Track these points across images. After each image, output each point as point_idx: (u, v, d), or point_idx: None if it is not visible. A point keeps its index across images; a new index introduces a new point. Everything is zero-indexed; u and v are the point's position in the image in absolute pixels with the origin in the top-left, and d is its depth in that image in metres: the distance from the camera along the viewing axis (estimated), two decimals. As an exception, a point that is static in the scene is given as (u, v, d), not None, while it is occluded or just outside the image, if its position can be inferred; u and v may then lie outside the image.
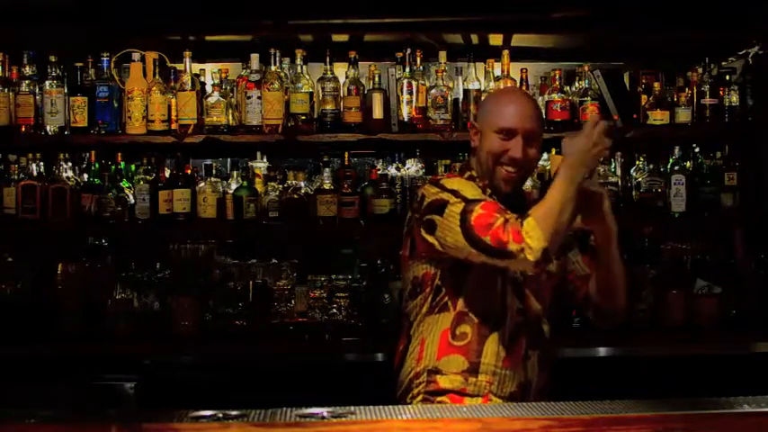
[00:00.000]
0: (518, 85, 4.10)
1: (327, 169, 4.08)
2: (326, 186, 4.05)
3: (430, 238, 2.54)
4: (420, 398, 2.61)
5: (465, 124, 4.06)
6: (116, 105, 4.02)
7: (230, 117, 4.06)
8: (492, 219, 2.41)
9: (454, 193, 2.52)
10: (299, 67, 4.07)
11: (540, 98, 4.17)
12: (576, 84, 4.21)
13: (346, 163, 4.25)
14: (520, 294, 2.63)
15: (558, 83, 4.11)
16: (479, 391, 2.57)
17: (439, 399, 2.59)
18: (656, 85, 4.12)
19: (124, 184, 4.14)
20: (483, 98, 2.88)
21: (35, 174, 4.05)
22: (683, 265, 4.20)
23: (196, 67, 4.11)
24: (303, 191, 4.11)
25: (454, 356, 2.59)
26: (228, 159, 4.46)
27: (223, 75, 4.10)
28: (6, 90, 4.00)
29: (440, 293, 2.62)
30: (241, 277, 4.12)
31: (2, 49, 4.06)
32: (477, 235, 2.41)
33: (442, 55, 4.11)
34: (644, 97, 4.16)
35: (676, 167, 4.12)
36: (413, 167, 4.23)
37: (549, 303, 2.72)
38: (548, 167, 4.14)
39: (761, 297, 4.01)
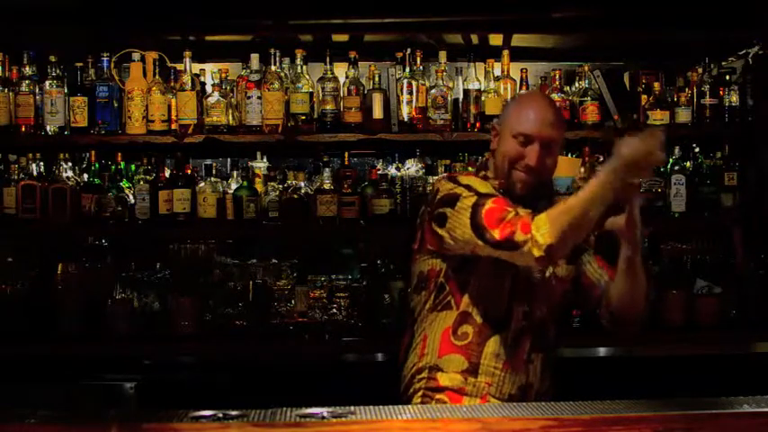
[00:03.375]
0: (518, 85, 4.10)
1: (327, 169, 4.08)
2: (326, 186, 4.05)
3: (440, 231, 2.54)
4: (420, 393, 2.62)
5: (465, 124, 4.07)
6: (116, 105, 4.02)
7: (230, 117, 4.05)
8: (503, 213, 2.40)
9: (468, 187, 2.52)
10: (299, 67, 4.07)
11: (540, 98, 4.17)
12: (576, 84, 4.21)
13: (346, 163, 4.25)
14: (528, 297, 2.63)
15: (558, 83, 4.12)
16: (478, 392, 2.58)
17: (438, 396, 2.60)
18: (656, 85, 4.12)
19: (124, 184, 4.14)
20: (508, 100, 2.81)
21: (35, 174, 4.04)
22: (683, 265, 4.19)
23: (196, 67, 4.11)
24: (303, 191, 4.11)
25: (455, 356, 2.60)
26: (228, 159, 4.46)
27: (223, 75, 4.10)
28: (6, 90, 3.99)
29: (443, 291, 2.62)
30: (241, 277, 4.11)
31: (2, 49, 4.06)
32: (485, 227, 2.40)
33: (442, 55, 4.11)
34: (644, 97, 4.16)
35: (676, 167, 4.12)
36: (413, 167, 4.23)
37: (557, 308, 2.70)
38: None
39: (761, 297, 4.01)
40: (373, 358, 3.80)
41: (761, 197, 4.11)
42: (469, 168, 3.92)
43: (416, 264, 2.70)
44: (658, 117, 4.08)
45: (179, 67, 4.06)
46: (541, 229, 2.33)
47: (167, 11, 3.93)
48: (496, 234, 2.38)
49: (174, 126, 4.01)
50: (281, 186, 4.14)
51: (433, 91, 4.04)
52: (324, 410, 2.00)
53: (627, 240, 2.54)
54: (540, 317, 2.65)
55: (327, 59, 4.09)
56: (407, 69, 4.09)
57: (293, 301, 4.05)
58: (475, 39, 4.28)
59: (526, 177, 2.58)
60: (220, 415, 1.97)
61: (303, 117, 4.03)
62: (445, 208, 2.52)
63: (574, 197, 2.37)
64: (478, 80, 4.14)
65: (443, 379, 2.60)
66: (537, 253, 2.33)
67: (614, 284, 2.64)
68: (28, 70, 4.04)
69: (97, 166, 4.12)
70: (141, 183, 4.04)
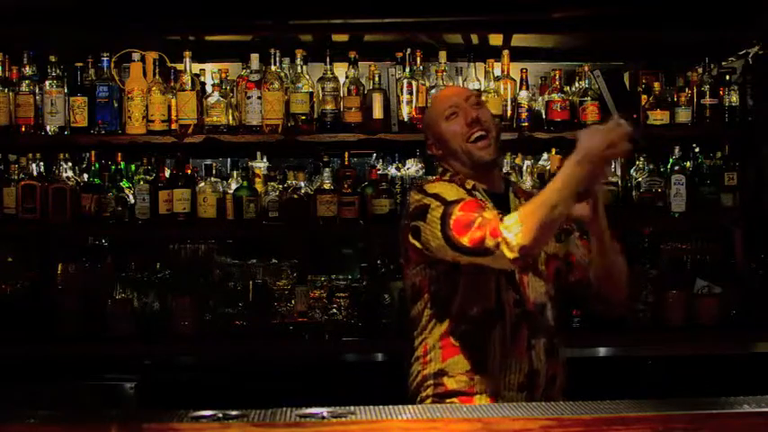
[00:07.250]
0: (518, 85, 4.12)
1: (327, 169, 4.08)
2: (326, 186, 4.05)
3: (418, 244, 2.56)
4: (429, 401, 2.61)
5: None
6: (116, 105, 4.02)
7: (230, 117, 4.05)
8: (470, 218, 2.40)
9: (435, 197, 2.53)
10: (299, 67, 4.07)
11: (540, 98, 4.17)
12: (576, 84, 4.21)
13: (346, 163, 4.24)
14: (516, 286, 2.62)
15: (558, 83, 4.12)
16: (486, 388, 2.57)
17: (448, 401, 2.59)
18: (656, 85, 4.12)
19: (124, 184, 4.14)
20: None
21: (35, 174, 4.04)
22: (683, 265, 4.20)
23: (196, 67, 4.10)
24: (303, 191, 4.11)
25: (458, 357, 2.60)
26: (228, 159, 4.46)
27: (223, 75, 4.10)
28: (6, 90, 4.00)
29: (437, 297, 2.62)
30: (241, 277, 4.11)
31: (2, 49, 4.06)
32: (456, 237, 2.41)
33: (442, 55, 4.12)
34: (644, 97, 4.16)
35: (676, 167, 4.12)
36: (413, 167, 4.23)
37: (552, 288, 2.69)
38: (547, 167, 4.15)
39: (761, 297, 4.01)
40: (373, 358, 3.80)
41: (761, 197, 4.11)
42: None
43: (408, 277, 2.71)
44: (658, 117, 4.08)
45: (179, 67, 4.06)
46: (513, 230, 2.31)
47: (167, 11, 3.93)
48: (466, 242, 2.38)
49: (174, 126, 4.01)
50: (281, 186, 4.14)
51: (433, 91, 4.04)
52: (324, 410, 2.00)
53: (591, 230, 2.58)
54: (535, 301, 2.65)
55: (327, 59, 4.09)
56: (407, 69, 4.09)
57: (293, 301, 4.05)
58: (475, 39, 4.28)
59: (480, 140, 2.61)
60: (220, 415, 1.97)
61: (303, 117, 4.03)
62: (418, 221, 2.54)
63: (541, 194, 2.35)
64: (478, 80, 4.14)
65: (450, 383, 2.59)
66: (510, 255, 2.32)
67: (592, 264, 2.67)
68: (28, 70, 4.04)
69: (97, 166, 4.12)
70: (141, 183, 4.04)
